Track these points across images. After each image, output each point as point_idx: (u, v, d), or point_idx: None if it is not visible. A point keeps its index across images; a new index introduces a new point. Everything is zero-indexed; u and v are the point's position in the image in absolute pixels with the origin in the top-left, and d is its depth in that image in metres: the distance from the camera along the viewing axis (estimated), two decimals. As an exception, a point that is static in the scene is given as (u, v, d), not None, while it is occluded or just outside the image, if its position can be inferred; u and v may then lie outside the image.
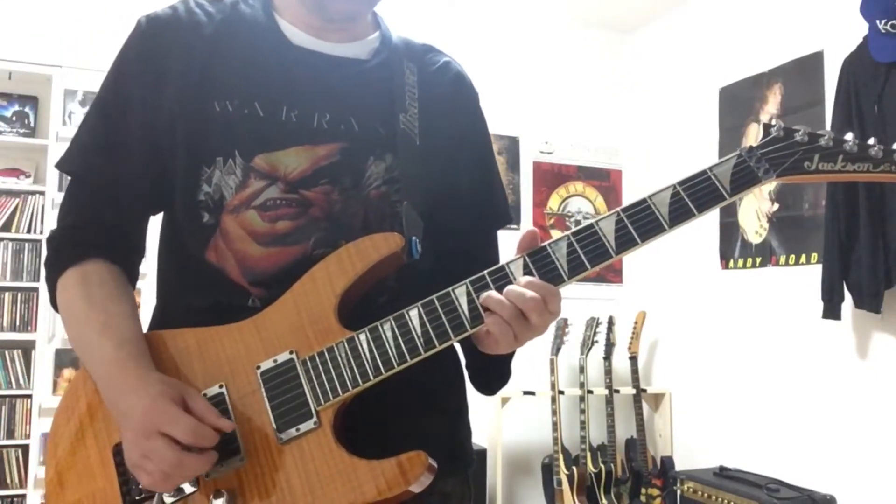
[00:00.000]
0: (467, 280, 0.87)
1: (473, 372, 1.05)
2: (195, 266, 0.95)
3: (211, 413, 0.84)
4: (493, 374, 1.04)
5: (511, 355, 0.98)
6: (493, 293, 0.85)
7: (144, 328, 0.96)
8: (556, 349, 3.68)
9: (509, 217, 1.12)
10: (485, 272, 0.88)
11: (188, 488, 0.84)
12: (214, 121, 0.94)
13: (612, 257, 0.86)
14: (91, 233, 0.97)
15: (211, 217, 0.94)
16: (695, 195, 0.86)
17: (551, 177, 4.20)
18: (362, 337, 0.87)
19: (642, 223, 0.86)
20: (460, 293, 0.87)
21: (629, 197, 4.31)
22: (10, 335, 3.30)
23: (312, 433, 0.86)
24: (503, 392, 3.63)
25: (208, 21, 0.99)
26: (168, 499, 0.85)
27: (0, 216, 3.35)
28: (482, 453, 3.52)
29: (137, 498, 0.88)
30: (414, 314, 0.87)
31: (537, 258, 0.87)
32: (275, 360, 0.88)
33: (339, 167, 0.95)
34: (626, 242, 0.86)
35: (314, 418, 0.86)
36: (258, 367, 0.89)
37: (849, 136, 0.88)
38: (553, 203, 4.19)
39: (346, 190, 0.95)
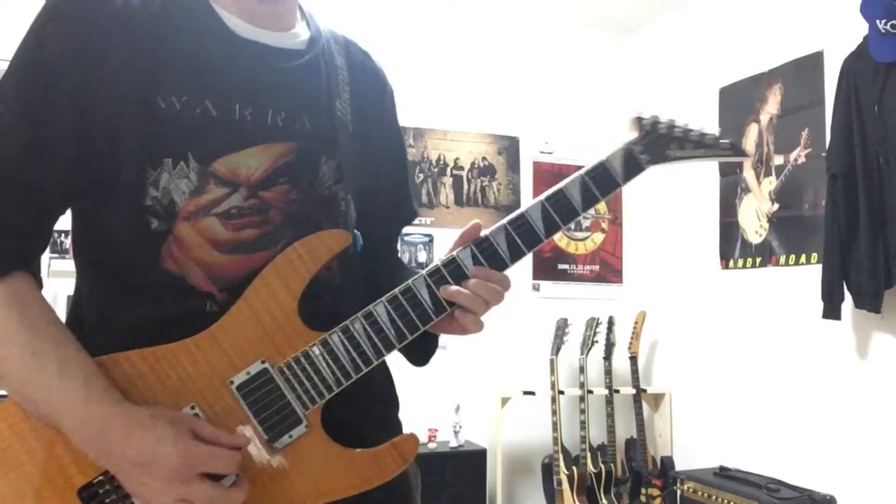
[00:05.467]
0: (423, 273, 0.92)
1: (412, 350, 1.01)
2: (143, 276, 0.87)
3: (223, 434, 0.83)
4: (430, 349, 1.05)
5: None
6: (458, 289, 0.92)
7: None
8: (556, 349, 3.68)
9: (416, 213, 1.19)
10: (438, 264, 0.93)
11: None
12: (161, 119, 0.86)
13: (542, 241, 0.96)
14: (8, 241, 0.84)
15: (161, 224, 0.86)
16: (598, 183, 0.97)
17: (551, 177, 4.19)
18: (335, 337, 0.89)
19: (561, 208, 0.96)
20: (419, 285, 0.92)
21: (629, 197, 4.32)
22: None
23: (305, 436, 0.88)
24: (503, 392, 3.65)
25: (143, 6, 0.89)
26: None
27: None
28: (482, 453, 3.51)
29: None
30: (381, 310, 0.90)
31: (483, 247, 0.94)
32: (248, 373, 0.86)
33: (295, 166, 0.94)
34: (551, 226, 0.95)
35: (304, 422, 0.87)
36: (231, 382, 0.86)
37: (692, 126, 1.03)
38: (553, 203, 4.18)
39: (303, 190, 0.94)
